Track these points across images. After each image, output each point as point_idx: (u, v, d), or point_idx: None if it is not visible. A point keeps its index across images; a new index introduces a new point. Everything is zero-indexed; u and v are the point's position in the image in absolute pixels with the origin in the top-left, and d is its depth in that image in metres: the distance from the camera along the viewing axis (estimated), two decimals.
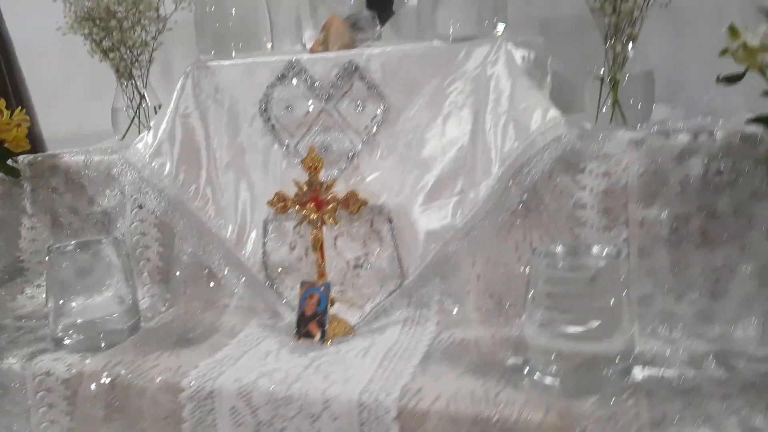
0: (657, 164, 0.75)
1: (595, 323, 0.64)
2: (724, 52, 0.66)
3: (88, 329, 0.84)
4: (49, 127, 1.35)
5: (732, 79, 0.65)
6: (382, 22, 1.03)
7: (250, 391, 0.71)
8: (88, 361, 0.79)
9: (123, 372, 0.77)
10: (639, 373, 0.69)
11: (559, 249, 0.70)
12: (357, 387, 0.68)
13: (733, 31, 0.65)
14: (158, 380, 0.75)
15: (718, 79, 0.66)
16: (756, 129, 0.72)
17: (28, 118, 1.01)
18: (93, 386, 0.77)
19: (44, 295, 0.93)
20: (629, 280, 0.77)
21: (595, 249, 0.69)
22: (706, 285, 0.76)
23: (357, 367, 0.73)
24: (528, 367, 0.69)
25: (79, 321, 0.84)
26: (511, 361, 0.73)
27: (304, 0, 1.10)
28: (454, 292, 0.85)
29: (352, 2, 1.02)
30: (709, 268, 0.76)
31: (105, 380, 0.76)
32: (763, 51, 0.62)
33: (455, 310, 0.85)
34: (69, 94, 1.29)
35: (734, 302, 0.76)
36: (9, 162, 1.01)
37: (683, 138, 0.75)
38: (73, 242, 0.87)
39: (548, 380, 0.66)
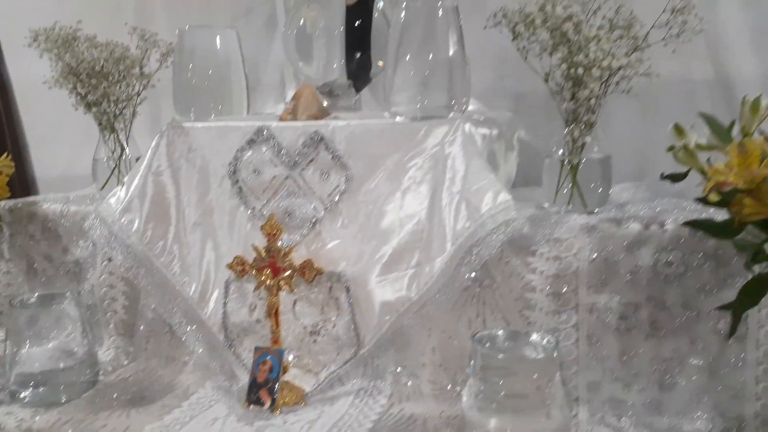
0: (608, 252, 0.76)
1: (529, 410, 0.64)
2: (670, 149, 0.67)
3: (43, 382, 0.85)
4: (42, 169, 1.38)
5: (675, 178, 0.65)
6: (358, 89, 1.06)
7: None
8: (38, 418, 0.80)
9: (75, 426, 0.78)
10: None
11: (500, 333, 0.70)
12: None
13: (678, 130, 0.66)
14: None
15: (662, 177, 0.67)
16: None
17: (12, 164, 1.04)
18: None
19: None
20: (579, 366, 0.77)
21: (534, 337, 0.69)
22: (655, 375, 0.76)
23: None
24: None
25: (34, 373, 0.85)
26: None
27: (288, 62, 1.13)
28: (409, 363, 0.85)
29: (335, 68, 1.05)
30: (658, 358, 0.76)
31: None
32: (707, 149, 0.63)
33: (409, 382, 0.85)
34: (62, 139, 1.32)
35: (684, 395, 0.76)
36: None
37: (634, 227, 0.75)
38: (35, 295, 0.89)
39: None
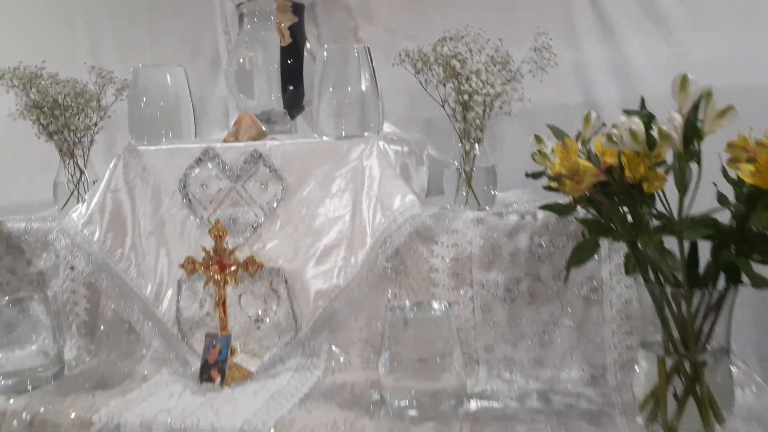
0: (493, 238, 0.95)
1: (432, 364, 0.81)
2: (533, 155, 0.87)
3: (14, 376, 0.95)
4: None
5: (536, 176, 0.85)
6: (292, 117, 1.23)
7: (150, 424, 0.84)
8: (11, 401, 0.91)
9: (42, 410, 0.89)
10: (473, 405, 0.85)
11: (407, 303, 0.87)
12: (241, 419, 0.82)
13: (537, 139, 0.86)
14: (72, 416, 0.87)
15: (526, 175, 0.87)
16: None
17: None
18: (14, 423, 0.88)
19: None
20: (474, 330, 0.95)
21: (435, 304, 0.86)
22: (536, 336, 0.94)
23: (245, 404, 0.87)
24: (383, 402, 0.84)
25: (5, 370, 0.95)
26: (374, 397, 0.88)
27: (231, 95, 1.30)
28: (340, 342, 1.00)
29: (272, 99, 1.23)
30: (537, 322, 0.94)
31: (25, 417, 0.88)
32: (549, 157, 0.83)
33: (341, 357, 1.00)
34: (18, 170, 1.43)
35: (559, 350, 0.94)
36: None
37: (513, 218, 0.95)
38: (6, 298, 1.00)
39: (397, 411, 0.82)
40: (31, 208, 1.30)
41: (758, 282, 0.62)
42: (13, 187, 1.42)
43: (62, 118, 1.15)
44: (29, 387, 0.95)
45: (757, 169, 0.59)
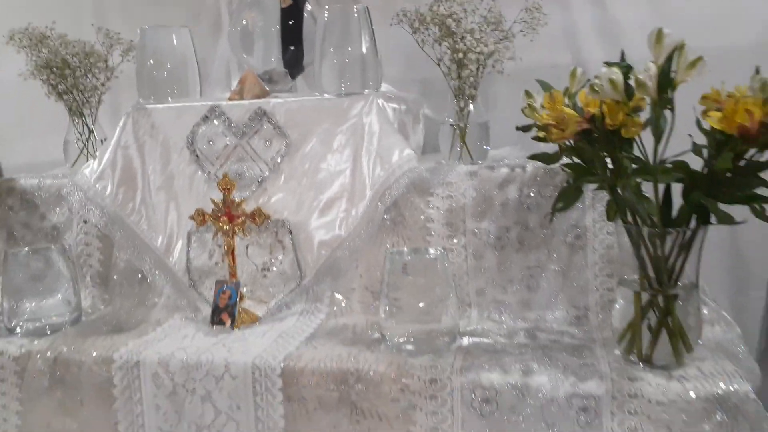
0: (485, 190, 1.01)
1: (428, 306, 0.88)
2: (523, 109, 0.92)
3: (36, 322, 1.02)
4: (8, 158, 1.52)
5: (525, 129, 0.91)
6: (293, 77, 1.28)
7: (167, 361, 0.91)
8: (36, 343, 0.98)
9: (65, 350, 0.95)
10: (465, 341, 0.92)
11: (405, 249, 0.93)
12: (252, 355, 0.89)
13: (527, 94, 0.91)
14: (94, 355, 0.93)
15: (517, 128, 0.92)
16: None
17: None
18: (39, 362, 0.95)
19: None
20: (466, 276, 1.01)
21: (432, 250, 0.93)
22: (524, 280, 1.01)
23: (255, 343, 0.94)
24: (384, 339, 0.91)
25: (29, 317, 1.02)
26: (375, 336, 0.95)
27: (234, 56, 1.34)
28: (342, 289, 1.07)
29: (273, 60, 1.27)
30: (525, 267, 1.01)
31: (50, 355, 0.95)
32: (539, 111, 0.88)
33: (343, 303, 1.07)
34: (26, 131, 1.47)
35: (545, 293, 1.01)
36: None
37: (504, 170, 1.01)
38: (26, 248, 1.06)
39: (396, 346, 0.89)
40: (41, 168, 1.34)
41: (723, 219, 0.68)
42: (22, 148, 1.46)
43: (71, 78, 1.19)
44: (48, 332, 1.02)
45: (724, 115, 0.65)
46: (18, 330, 1.02)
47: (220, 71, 1.43)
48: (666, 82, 0.68)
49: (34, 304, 1.03)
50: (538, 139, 0.83)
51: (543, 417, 0.79)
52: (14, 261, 1.03)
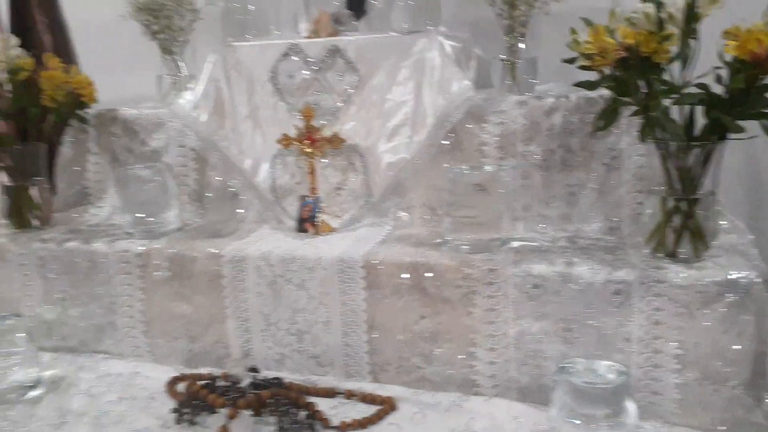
0: (533, 117, 1.16)
1: (485, 215, 1.05)
2: (568, 44, 1.06)
3: (149, 227, 1.22)
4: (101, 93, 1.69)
5: (570, 61, 1.04)
6: (357, 18, 1.42)
7: (267, 256, 1.10)
8: (154, 243, 1.17)
9: (180, 247, 1.15)
10: (515, 244, 1.09)
11: (464, 167, 1.10)
12: (338, 251, 1.08)
13: (572, 31, 1.05)
14: (206, 251, 1.13)
15: (563, 60, 1.06)
16: (594, 93, 1.12)
17: (91, 80, 1.37)
18: (158, 258, 1.15)
19: (105, 212, 1.32)
20: (515, 193, 1.18)
21: (487, 167, 1.09)
22: (565, 197, 1.17)
23: (337, 244, 1.12)
24: (445, 243, 1.09)
25: (143, 224, 1.22)
26: (437, 241, 1.13)
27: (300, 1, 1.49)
28: (405, 206, 1.24)
29: (337, 3, 1.41)
30: (567, 185, 1.16)
31: (168, 251, 1.14)
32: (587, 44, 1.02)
33: (407, 217, 1.24)
34: (113, 69, 1.64)
35: (584, 208, 1.17)
36: (81, 113, 1.37)
37: (549, 100, 1.16)
38: (137, 165, 1.24)
39: (456, 248, 1.06)
40: (134, 102, 1.52)
41: (735, 129, 0.83)
42: (107, 87, 1.62)
43: (165, 19, 1.35)
44: (159, 237, 1.21)
45: (740, 44, 0.79)
46: (135, 233, 1.21)
47: (288, 13, 1.57)
48: (691, 15, 0.82)
49: (146, 212, 1.22)
50: (582, 67, 0.98)
51: (583, 299, 0.96)
52: (131, 176, 1.22)
